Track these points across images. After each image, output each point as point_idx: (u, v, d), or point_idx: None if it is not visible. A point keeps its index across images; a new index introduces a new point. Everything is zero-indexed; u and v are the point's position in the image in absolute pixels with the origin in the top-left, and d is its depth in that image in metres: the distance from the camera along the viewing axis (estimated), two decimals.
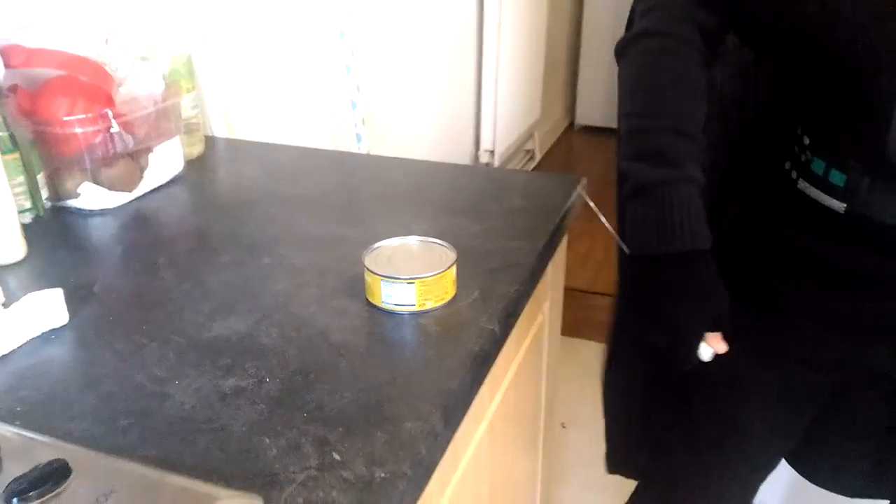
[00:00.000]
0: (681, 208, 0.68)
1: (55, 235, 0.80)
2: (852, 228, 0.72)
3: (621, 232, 0.76)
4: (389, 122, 1.74)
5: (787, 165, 0.78)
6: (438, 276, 0.62)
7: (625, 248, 0.73)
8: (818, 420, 0.88)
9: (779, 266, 0.79)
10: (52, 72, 0.81)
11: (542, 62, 2.87)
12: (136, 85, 0.87)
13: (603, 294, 2.21)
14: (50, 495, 0.42)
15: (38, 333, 0.61)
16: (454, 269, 0.64)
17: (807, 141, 0.74)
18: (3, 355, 0.58)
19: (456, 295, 0.64)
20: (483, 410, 0.69)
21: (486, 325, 0.61)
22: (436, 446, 0.50)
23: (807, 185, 0.74)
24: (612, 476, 1.09)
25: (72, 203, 0.84)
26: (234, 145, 1.10)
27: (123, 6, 0.91)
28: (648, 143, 0.71)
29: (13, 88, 0.79)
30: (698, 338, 0.72)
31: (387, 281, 0.62)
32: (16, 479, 0.42)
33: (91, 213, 0.84)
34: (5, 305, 0.62)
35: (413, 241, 0.68)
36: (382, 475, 0.45)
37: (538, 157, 3.17)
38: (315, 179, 0.97)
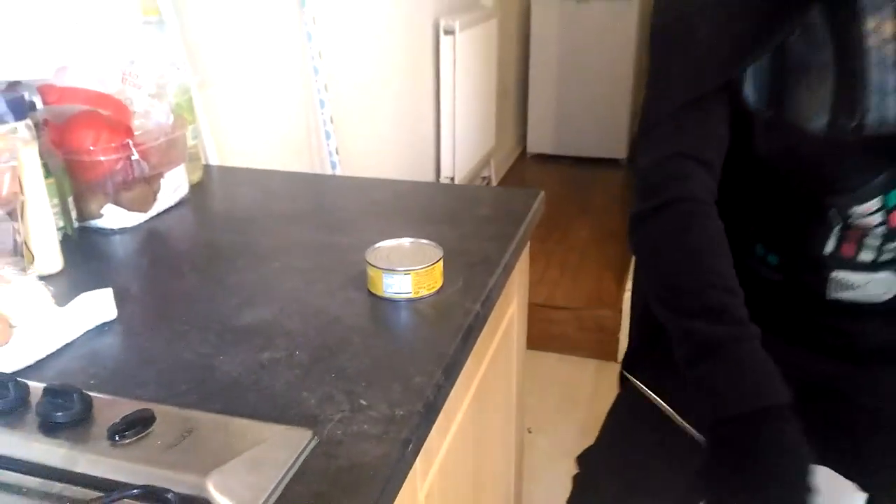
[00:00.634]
0: (756, 364, 0.72)
1: (84, 251, 0.90)
2: (789, 292, 0.89)
3: (690, 394, 0.76)
4: (358, 151, 1.87)
5: (741, 242, 0.94)
6: (429, 268, 0.75)
7: (696, 435, 0.76)
8: None
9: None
10: (79, 107, 0.92)
11: (494, 95, 3.05)
12: (150, 118, 0.99)
13: (560, 308, 2.36)
14: (142, 434, 0.53)
15: (93, 326, 0.72)
16: (441, 263, 0.77)
17: (753, 228, 0.93)
18: (66, 344, 0.69)
19: (443, 284, 0.78)
20: (471, 379, 0.82)
21: (471, 307, 0.74)
22: (440, 394, 0.63)
23: (749, 258, 0.92)
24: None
25: (95, 223, 0.95)
26: (228, 171, 1.22)
27: (136, 51, 1.03)
28: (702, 300, 0.75)
29: (45, 122, 0.91)
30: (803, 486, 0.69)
31: (387, 273, 0.75)
32: (114, 423, 0.54)
33: (112, 232, 0.95)
34: (59, 305, 0.73)
35: (406, 241, 0.81)
36: (401, 413, 0.58)
37: (494, 182, 3.34)
38: (304, 198, 1.10)
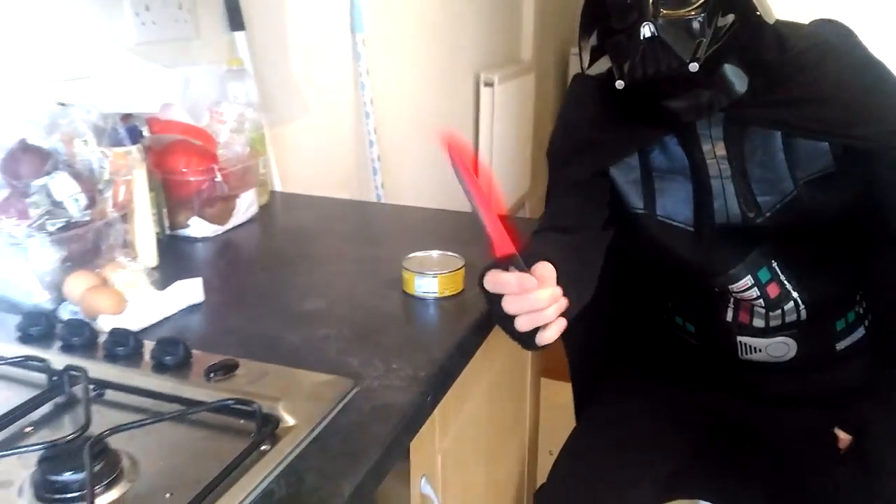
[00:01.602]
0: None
1: (173, 252, 1.10)
2: (706, 355, 1.07)
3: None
4: (401, 186, 2.08)
5: (664, 316, 1.16)
6: (453, 273, 0.93)
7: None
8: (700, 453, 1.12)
9: (662, 368, 1.14)
10: (176, 136, 1.14)
11: (530, 144, 3.25)
12: (231, 149, 1.20)
13: None
14: (230, 375, 0.72)
15: (185, 306, 0.91)
16: (463, 270, 0.95)
17: (670, 304, 1.13)
18: (166, 318, 0.88)
19: (465, 288, 0.95)
20: (486, 371, 0.99)
21: (484, 307, 0.91)
22: (454, 365, 0.79)
23: (673, 328, 1.12)
24: None
25: (183, 231, 1.15)
26: (290, 196, 1.42)
27: (222, 93, 1.25)
28: None
29: (149, 147, 1.12)
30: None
31: (419, 275, 0.93)
32: (208, 366, 0.72)
33: (196, 240, 1.15)
34: (158, 288, 0.92)
35: (435, 252, 0.99)
36: (423, 374, 0.75)
37: None
38: (352, 220, 1.29)
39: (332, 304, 0.92)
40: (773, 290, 1.00)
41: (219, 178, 1.15)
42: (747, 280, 1.00)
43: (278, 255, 1.12)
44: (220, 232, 1.18)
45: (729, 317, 1.05)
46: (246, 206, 1.23)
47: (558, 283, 0.73)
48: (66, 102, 0.95)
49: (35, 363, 0.70)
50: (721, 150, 0.95)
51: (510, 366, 1.13)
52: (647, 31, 0.85)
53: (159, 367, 0.73)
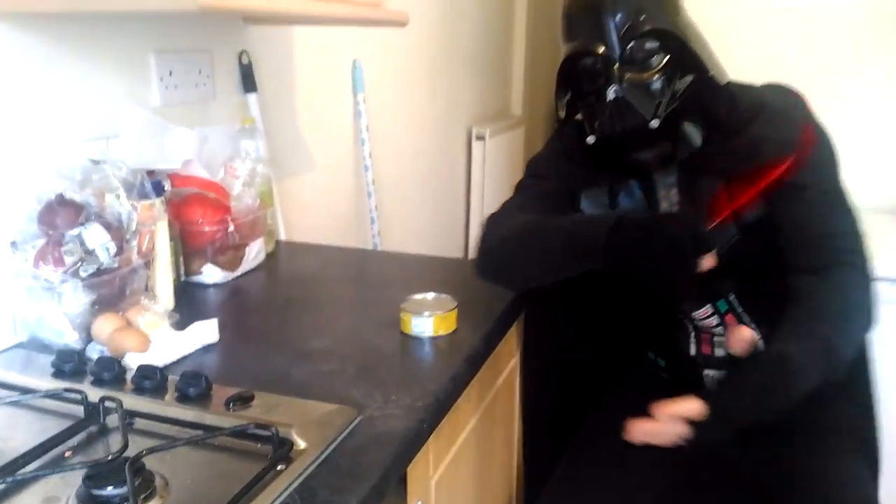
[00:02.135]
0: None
1: (188, 297, 1.19)
2: (677, 388, 1.17)
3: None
4: (398, 234, 2.18)
5: (639, 353, 1.27)
6: (447, 314, 1.02)
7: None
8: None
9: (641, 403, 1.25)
10: (193, 190, 1.24)
11: None
12: (242, 201, 1.30)
13: None
14: (247, 405, 0.80)
15: (201, 346, 0.99)
16: (456, 311, 1.04)
17: (643, 341, 1.24)
18: (185, 356, 0.96)
19: (457, 328, 1.04)
20: (478, 403, 1.07)
21: (476, 344, 1.00)
22: (448, 396, 0.88)
23: (647, 363, 1.23)
24: None
25: (196, 278, 1.25)
26: (294, 245, 1.52)
27: (236, 150, 1.36)
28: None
29: (169, 200, 1.22)
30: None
31: (416, 316, 1.02)
32: (228, 397, 0.80)
33: (208, 286, 1.24)
34: (177, 329, 1.01)
35: (430, 295, 1.08)
36: (419, 404, 0.83)
37: None
38: (353, 266, 1.39)
39: (336, 343, 1.01)
40: (730, 320, 1.10)
41: (231, 228, 1.25)
42: (707, 309, 1.11)
43: (285, 298, 1.21)
44: (230, 278, 1.27)
45: (693, 350, 1.15)
46: (254, 253, 1.33)
47: None
48: (98, 159, 1.06)
49: (73, 394, 0.78)
50: (674, 196, 1.07)
51: (500, 397, 1.21)
52: (612, 93, 0.97)
53: (183, 399, 0.82)
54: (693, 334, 1.14)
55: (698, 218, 1.02)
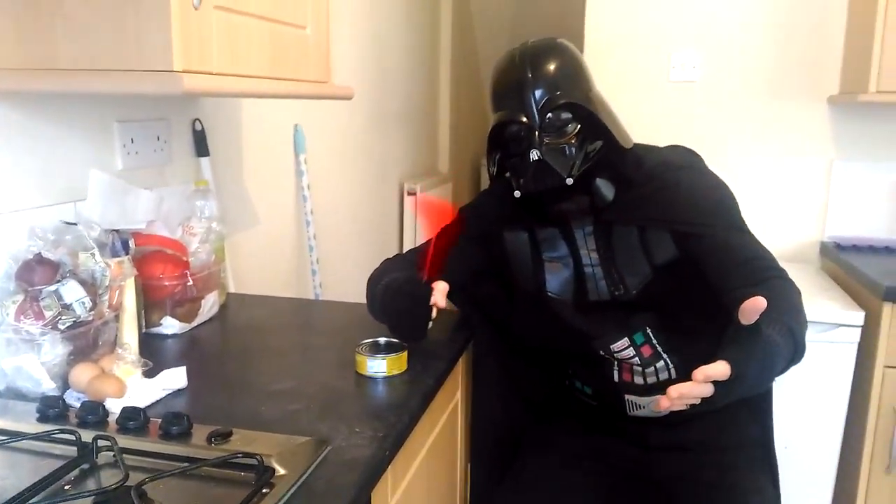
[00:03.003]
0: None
1: (150, 347, 1.26)
2: (603, 412, 1.34)
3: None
4: (337, 284, 2.28)
5: (567, 382, 1.45)
6: (399, 355, 1.14)
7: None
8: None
9: (570, 426, 1.40)
10: (154, 248, 1.32)
11: None
12: (199, 257, 1.39)
13: None
14: (227, 439, 0.89)
15: (171, 391, 1.07)
16: (406, 353, 1.16)
17: (570, 371, 1.41)
18: (155, 401, 1.04)
19: (408, 368, 1.16)
20: (427, 436, 1.18)
21: (428, 381, 1.12)
22: (406, 427, 0.99)
23: (574, 391, 1.40)
24: None
25: (155, 329, 1.32)
26: (243, 297, 1.60)
27: (192, 210, 1.45)
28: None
29: (132, 257, 1.29)
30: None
31: (371, 358, 1.13)
32: (209, 433, 0.89)
33: (167, 336, 1.32)
34: (147, 376, 1.09)
35: (382, 339, 1.20)
36: (381, 435, 0.95)
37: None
38: (301, 316, 1.49)
39: (298, 385, 1.11)
40: (646, 351, 1.27)
41: (190, 282, 1.33)
42: (624, 342, 1.28)
43: (241, 347, 1.30)
44: (187, 329, 1.35)
45: (616, 378, 1.31)
46: (209, 305, 1.41)
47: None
48: (71, 221, 1.14)
49: (66, 435, 0.86)
50: (592, 243, 1.26)
51: (447, 426, 1.33)
52: (534, 155, 1.15)
53: (167, 436, 0.90)
54: (616, 364, 1.30)
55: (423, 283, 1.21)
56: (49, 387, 1.03)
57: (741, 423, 1.35)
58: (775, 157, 2.51)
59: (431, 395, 1.12)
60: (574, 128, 1.18)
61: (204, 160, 1.55)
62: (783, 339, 0.99)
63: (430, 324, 1.21)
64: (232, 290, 1.63)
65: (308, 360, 1.22)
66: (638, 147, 1.27)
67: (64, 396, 1.02)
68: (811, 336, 1.56)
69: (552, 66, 1.18)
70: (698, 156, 1.31)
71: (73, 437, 0.85)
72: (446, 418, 1.33)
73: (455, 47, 3.34)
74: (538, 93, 1.17)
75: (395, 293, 1.21)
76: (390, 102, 2.69)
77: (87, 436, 0.86)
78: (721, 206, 1.22)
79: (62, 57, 0.97)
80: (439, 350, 1.25)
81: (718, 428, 1.32)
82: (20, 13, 0.98)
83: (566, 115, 1.17)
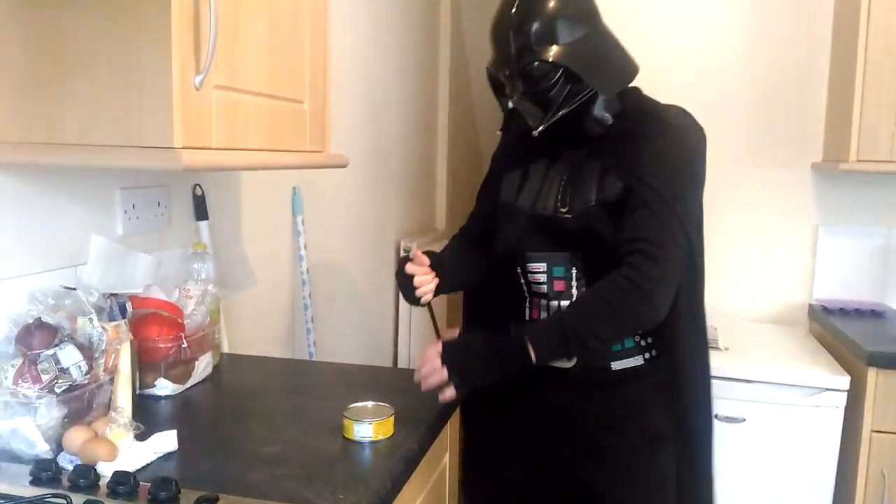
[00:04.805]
0: None
1: (143, 409, 1.29)
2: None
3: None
4: (332, 343, 2.31)
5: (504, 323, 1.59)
6: (385, 420, 1.17)
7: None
8: None
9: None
10: (150, 310, 1.36)
11: (446, 302, 3.57)
12: (194, 319, 1.42)
13: None
14: None
15: (162, 454, 1.10)
16: (393, 417, 1.19)
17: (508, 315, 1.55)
18: (147, 464, 1.06)
19: (395, 432, 1.18)
20: (414, 501, 1.20)
21: (412, 447, 1.14)
22: (389, 493, 1.02)
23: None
24: None
25: (149, 391, 1.35)
26: (237, 357, 1.64)
27: (188, 273, 1.50)
28: None
29: (129, 320, 1.33)
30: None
31: (357, 423, 1.16)
32: (196, 499, 0.91)
33: (160, 398, 1.35)
34: (139, 439, 1.11)
35: (369, 403, 1.23)
36: (364, 502, 0.97)
37: None
38: (294, 377, 1.52)
39: (286, 449, 1.13)
40: (558, 286, 1.36)
41: (185, 344, 1.37)
42: (542, 266, 1.37)
43: (234, 409, 1.33)
44: (180, 390, 1.38)
45: (528, 315, 1.42)
46: (203, 367, 1.44)
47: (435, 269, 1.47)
48: (71, 286, 1.18)
49: (59, 500, 0.88)
50: (566, 167, 1.39)
51: (435, 489, 1.35)
52: (510, 104, 1.33)
53: (155, 501, 0.92)
54: (528, 301, 1.40)
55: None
56: (43, 449, 1.05)
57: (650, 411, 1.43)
58: (763, 222, 2.57)
59: (416, 460, 1.14)
60: (555, 75, 1.25)
61: (203, 223, 1.60)
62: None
63: (426, 297, 1.45)
64: (226, 349, 1.66)
65: (298, 424, 1.24)
66: (634, 93, 1.39)
67: (57, 459, 1.04)
68: (797, 400, 1.62)
69: (542, 12, 1.26)
70: (700, 127, 1.36)
71: (64, 502, 0.87)
72: (433, 482, 1.34)
73: (452, 104, 3.44)
74: (518, 43, 1.26)
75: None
76: (387, 161, 2.76)
77: (77, 500, 0.89)
78: (667, 172, 1.29)
79: (67, 132, 1.03)
80: (425, 414, 1.27)
81: (634, 403, 1.41)
82: (29, 89, 1.04)
83: (546, 66, 1.26)
